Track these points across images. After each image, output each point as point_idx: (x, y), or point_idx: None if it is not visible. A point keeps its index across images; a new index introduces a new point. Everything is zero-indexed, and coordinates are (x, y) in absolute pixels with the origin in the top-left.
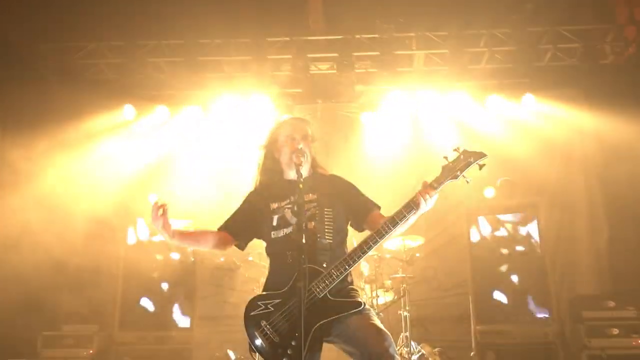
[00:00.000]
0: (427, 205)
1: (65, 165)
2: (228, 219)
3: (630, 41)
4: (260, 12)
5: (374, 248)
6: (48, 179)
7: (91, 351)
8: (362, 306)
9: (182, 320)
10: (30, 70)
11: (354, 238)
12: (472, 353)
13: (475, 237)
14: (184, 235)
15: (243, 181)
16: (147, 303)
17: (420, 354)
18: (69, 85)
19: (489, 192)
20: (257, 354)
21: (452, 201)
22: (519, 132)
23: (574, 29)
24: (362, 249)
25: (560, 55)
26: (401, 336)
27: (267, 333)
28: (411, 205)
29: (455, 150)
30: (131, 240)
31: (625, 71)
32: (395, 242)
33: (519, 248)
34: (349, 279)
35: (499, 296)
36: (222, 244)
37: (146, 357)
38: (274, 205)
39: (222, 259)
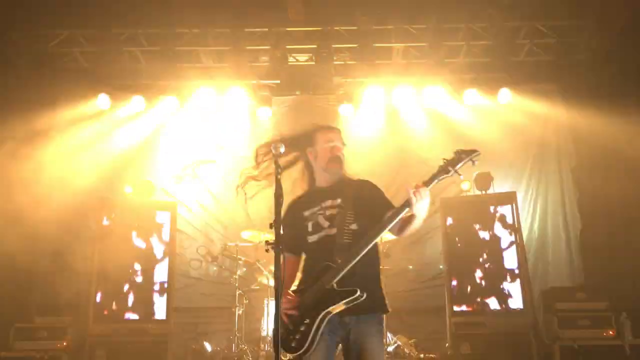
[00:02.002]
0: (418, 201)
1: (37, 155)
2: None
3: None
4: (238, 2)
5: (374, 241)
6: (20, 168)
7: (65, 343)
8: (356, 294)
9: (157, 312)
10: (2, 58)
11: None
12: (447, 344)
13: (451, 230)
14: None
15: (219, 171)
16: (122, 294)
17: (396, 345)
18: (42, 74)
19: (465, 185)
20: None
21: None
22: (495, 125)
23: (550, 25)
24: (367, 241)
25: (536, 50)
26: None
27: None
28: (406, 203)
29: (454, 152)
30: (106, 230)
31: (600, 67)
32: None
33: (495, 240)
34: (367, 271)
35: (475, 287)
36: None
37: (121, 350)
38: (307, 213)
39: (198, 251)
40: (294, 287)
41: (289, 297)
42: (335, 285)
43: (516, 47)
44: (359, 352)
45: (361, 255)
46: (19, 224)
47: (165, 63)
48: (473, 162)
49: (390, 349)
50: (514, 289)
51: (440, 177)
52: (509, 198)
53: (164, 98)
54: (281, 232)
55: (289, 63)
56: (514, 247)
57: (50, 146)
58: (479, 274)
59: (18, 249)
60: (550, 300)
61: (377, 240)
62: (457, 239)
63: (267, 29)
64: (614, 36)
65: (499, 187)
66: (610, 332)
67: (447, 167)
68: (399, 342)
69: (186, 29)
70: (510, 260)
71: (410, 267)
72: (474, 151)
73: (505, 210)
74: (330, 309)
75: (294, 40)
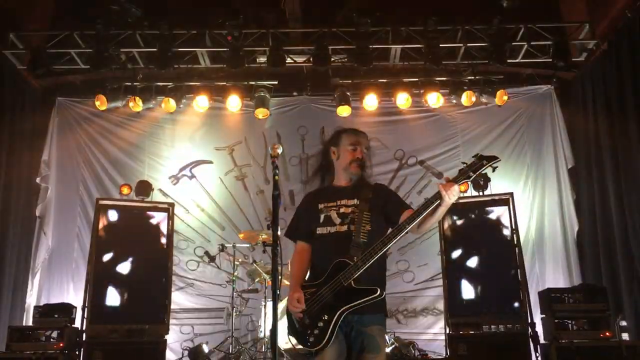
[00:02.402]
0: (449, 197)
1: (34, 154)
2: (294, 226)
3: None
4: (236, 3)
5: (398, 238)
6: (19, 168)
7: (61, 344)
8: (377, 293)
9: (155, 313)
10: (0, 58)
11: None
12: (444, 344)
13: (448, 231)
14: (302, 278)
15: (216, 172)
16: (119, 295)
17: (393, 346)
18: (39, 75)
19: (462, 185)
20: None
21: (425, 195)
22: (492, 126)
23: (547, 27)
24: (384, 242)
25: (533, 52)
26: None
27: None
28: (435, 197)
29: (473, 156)
30: (102, 229)
31: (597, 68)
32: None
33: (492, 241)
34: (379, 271)
35: (472, 288)
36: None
37: (118, 351)
38: (321, 205)
39: (195, 252)
40: (306, 282)
41: (304, 291)
42: (353, 282)
43: (513, 49)
44: (361, 351)
45: (383, 251)
46: (15, 223)
47: (162, 64)
48: (494, 169)
49: (387, 350)
50: (511, 290)
51: (461, 181)
52: (506, 199)
53: (161, 99)
54: (294, 219)
55: (287, 64)
56: (511, 248)
57: (47, 146)
58: (476, 275)
59: (13, 248)
60: (547, 301)
61: (399, 237)
62: (454, 240)
63: (264, 30)
64: (611, 37)
65: (496, 188)
66: (607, 333)
67: (469, 172)
68: (396, 343)
69: (184, 30)
70: (508, 261)
71: (408, 268)
72: (495, 158)
73: (503, 211)
74: (349, 305)
75: (291, 41)
